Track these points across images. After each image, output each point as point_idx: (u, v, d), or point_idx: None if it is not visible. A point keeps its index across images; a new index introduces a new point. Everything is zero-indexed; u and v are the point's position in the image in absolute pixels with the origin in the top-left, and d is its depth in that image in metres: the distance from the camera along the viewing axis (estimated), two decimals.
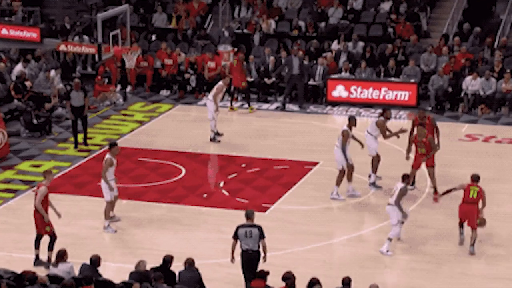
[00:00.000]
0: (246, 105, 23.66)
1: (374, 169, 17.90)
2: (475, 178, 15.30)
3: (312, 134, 21.28)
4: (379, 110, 18.68)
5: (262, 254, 12.97)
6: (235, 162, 19.64)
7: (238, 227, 12.99)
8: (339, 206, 17.01)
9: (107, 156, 15.74)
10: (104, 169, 15.65)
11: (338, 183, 17.14)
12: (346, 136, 16.85)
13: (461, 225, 15.29)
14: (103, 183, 15.72)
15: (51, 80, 23.88)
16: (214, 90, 20.82)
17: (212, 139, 20.82)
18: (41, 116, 21.69)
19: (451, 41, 25.88)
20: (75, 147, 20.58)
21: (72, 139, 21.06)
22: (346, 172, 17.06)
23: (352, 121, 17.01)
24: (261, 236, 12.88)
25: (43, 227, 14.22)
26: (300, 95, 23.71)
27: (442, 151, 19.77)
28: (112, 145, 15.92)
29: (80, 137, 20.62)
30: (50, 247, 14.27)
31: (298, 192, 17.76)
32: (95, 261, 12.58)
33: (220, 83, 20.96)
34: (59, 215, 14.56)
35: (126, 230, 15.95)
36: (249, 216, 13.12)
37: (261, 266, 12.73)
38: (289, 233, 15.86)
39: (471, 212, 14.97)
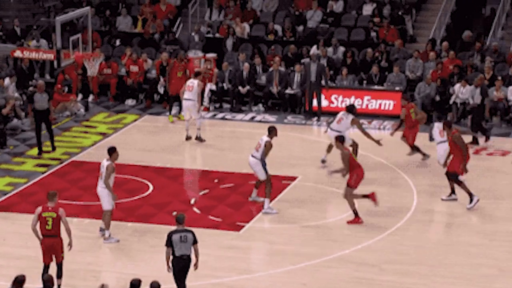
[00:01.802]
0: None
1: (355, 154, 18.95)
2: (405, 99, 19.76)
3: (290, 146, 21.33)
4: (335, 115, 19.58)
5: (193, 261, 13.37)
6: (207, 177, 19.63)
7: (171, 234, 13.35)
8: (318, 224, 17.04)
9: (108, 162, 15.89)
10: (106, 176, 15.78)
11: (267, 194, 17.46)
12: (269, 148, 17.34)
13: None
14: (104, 191, 15.82)
15: (6, 89, 23.73)
16: (196, 88, 21.32)
17: (199, 138, 21.54)
18: None
19: (439, 46, 26.11)
20: (39, 154, 20.62)
21: (29, 152, 20.98)
22: (266, 185, 17.45)
23: (273, 132, 17.53)
24: (195, 241, 13.34)
25: (61, 253, 14.04)
26: (319, 105, 23.76)
27: (430, 164, 19.92)
28: (112, 150, 16.07)
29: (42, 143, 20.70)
30: (60, 275, 14.07)
31: (275, 210, 17.75)
32: (48, 280, 12.50)
33: (199, 81, 21.59)
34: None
35: (88, 251, 15.86)
36: (181, 221, 13.51)
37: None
38: (265, 253, 15.86)
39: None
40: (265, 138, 17.41)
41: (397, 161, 20.31)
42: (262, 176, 17.42)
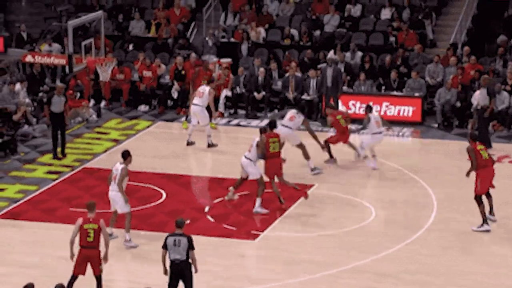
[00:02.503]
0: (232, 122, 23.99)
1: (307, 156, 19.98)
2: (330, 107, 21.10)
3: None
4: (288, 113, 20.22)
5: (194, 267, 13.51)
6: (221, 184, 19.65)
7: (167, 237, 13.60)
8: (335, 233, 17.04)
9: (122, 165, 16.10)
10: (120, 179, 15.99)
11: (260, 194, 18.02)
12: (262, 146, 18.04)
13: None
14: (117, 195, 16.01)
15: (17, 94, 23.85)
16: (206, 95, 21.53)
17: (210, 145, 21.73)
18: (5, 134, 21.68)
19: (460, 50, 26.04)
20: (54, 157, 20.89)
21: (40, 159, 21.11)
22: (258, 185, 18.10)
23: (264, 131, 18.27)
24: (190, 247, 13.45)
25: (99, 265, 14.03)
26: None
27: (450, 172, 19.89)
28: (126, 153, 16.28)
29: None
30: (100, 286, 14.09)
31: (291, 218, 17.78)
32: None
33: (210, 89, 21.75)
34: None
35: None
36: (179, 225, 13.69)
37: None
38: (281, 262, 15.88)
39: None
40: (257, 138, 18.17)
41: (416, 169, 20.28)
42: (255, 176, 18.01)
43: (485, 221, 16.98)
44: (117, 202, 16.17)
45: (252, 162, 18.01)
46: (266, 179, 18.12)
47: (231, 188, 18.46)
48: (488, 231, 16.89)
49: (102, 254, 14.00)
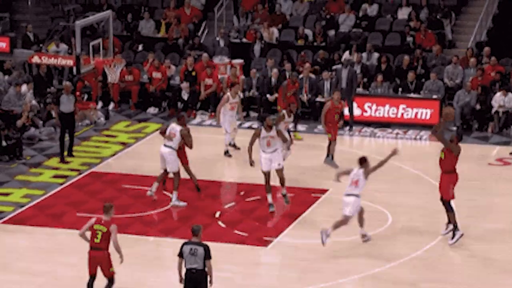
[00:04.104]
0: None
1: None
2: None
3: (320, 157, 21.31)
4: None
5: (209, 278, 13.41)
6: (233, 189, 19.67)
7: (183, 244, 13.54)
8: (351, 239, 17.02)
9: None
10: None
11: (176, 187, 18.37)
12: (188, 135, 18.35)
13: None
14: None
15: (23, 96, 23.94)
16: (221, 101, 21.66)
17: (226, 153, 21.75)
18: (11, 137, 21.75)
19: (478, 51, 25.98)
20: (62, 160, 20.94)
21: (46, 163, 21.15)
22: (174, 177, 18.38)
23: (182, 119, 18.48)
24: (207, 256, 13.39)
25: (109, 268, 14.07)
26: (351, 113, 23.77)
27: (470, 177, 19.83)
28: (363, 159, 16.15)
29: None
30: None
31: (304, 224, 17.77)
32: None
33: (228, 93, 21.53)
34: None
35: None
36: (195, 233, 13.62)
37: None
38: (294, 270, 15.87)
39: None
40: (177, 127, 18.32)
41: (434, 174, 20.22)
42: (174, 168, 18.32)
43: (456, 227, 16.55)
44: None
45: (174, 150, 18.33)
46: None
47: (154, 183, 18.67)
48: (462, 235, 16.54)
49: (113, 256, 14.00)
